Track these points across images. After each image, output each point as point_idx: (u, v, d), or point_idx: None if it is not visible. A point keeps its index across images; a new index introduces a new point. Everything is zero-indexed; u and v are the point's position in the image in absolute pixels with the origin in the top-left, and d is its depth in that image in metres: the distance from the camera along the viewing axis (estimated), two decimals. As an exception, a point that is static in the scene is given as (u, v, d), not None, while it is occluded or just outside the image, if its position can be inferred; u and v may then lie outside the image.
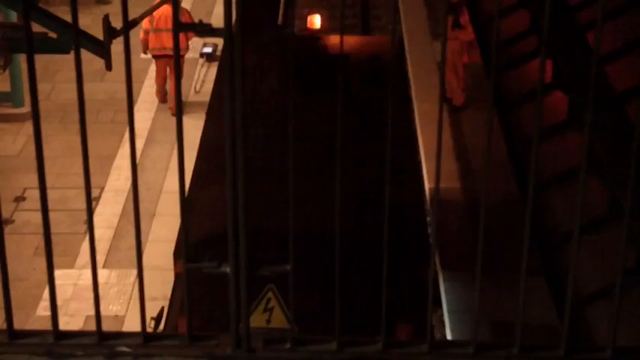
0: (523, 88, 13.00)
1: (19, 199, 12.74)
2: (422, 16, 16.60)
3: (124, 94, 3.00)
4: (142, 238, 11.15)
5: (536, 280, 9.62)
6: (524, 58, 13.50)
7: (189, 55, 16.42)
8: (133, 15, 7.59)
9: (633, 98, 10.31)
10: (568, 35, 12.06)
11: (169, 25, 14.55)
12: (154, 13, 13.82)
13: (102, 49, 5.88)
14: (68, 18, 11.21)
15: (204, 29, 2.44)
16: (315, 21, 15.87)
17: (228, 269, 2.50)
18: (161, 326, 8.60)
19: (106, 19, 5.65)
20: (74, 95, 2.62)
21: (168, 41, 14.98)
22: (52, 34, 6.74)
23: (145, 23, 14.92)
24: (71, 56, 3.22)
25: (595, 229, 9.41)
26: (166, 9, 13.92)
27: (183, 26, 2.47)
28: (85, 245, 11.61)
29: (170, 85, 15.53)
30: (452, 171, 12.16)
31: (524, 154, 12.01)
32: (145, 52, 15.50)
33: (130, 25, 5.29)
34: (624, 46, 11.36)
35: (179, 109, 2.55)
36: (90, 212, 2.52)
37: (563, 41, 11.94)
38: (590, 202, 9.84)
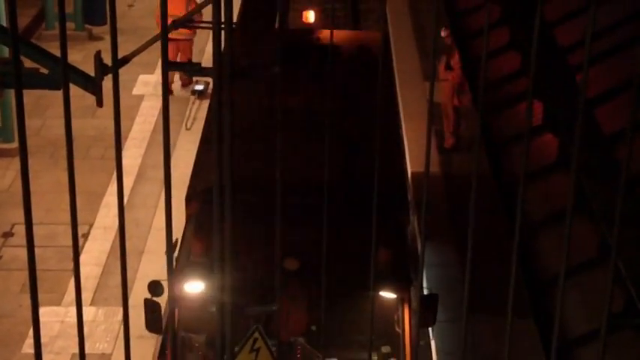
0: (513, 130, 13.04)
1: (7, 234, 12.68)
2: (414, 57, 16.72)
3: (113, 131, 2.99)
4: (130, 276, 11.07)
5: (525, 322, 9.59)
6: (515, 100, 13.56)
7: (180, 93, 16.45)
8: (124, 52, 7.59)
9: (622, 140, 10.35)
10: (558, 77, 12.12)
11: (174, 12, 15.36)
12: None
13: (93, 85, 5.87)
14: (60, 54, 11.12)
15: (193, 68, 2.44)
16: (309, 16, 17.47)
17: (214, 309, 2.48)
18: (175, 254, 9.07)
19: (97, 56, 5.65)
20: (64, 132, 2.60)
21: (175, 9, 15.59)
22: (44, 70, 6.74)
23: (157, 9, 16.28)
24: (60, 93, 3.22)
25: (584, 271, 9.39)
26: None
27: (172, 65, 2.47)
28: (73, 283, 11.56)
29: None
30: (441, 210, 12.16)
31: (514, 196, 12.05)
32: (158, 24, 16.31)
33: (120, 62, 5.28)
34: (614, 88, 11.43)
35: (167, 143, 2.54)
36: (76, 250, 2.50)
37: (554, 83, 11.99)
38: (580, 244, 9.84)
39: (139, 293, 11.51)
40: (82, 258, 12.20)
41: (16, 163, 14.11)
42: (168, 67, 2.44)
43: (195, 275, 8.45)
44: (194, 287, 8.47)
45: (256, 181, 7.62)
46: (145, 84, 16.78)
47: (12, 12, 2.41)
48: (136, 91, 16.59)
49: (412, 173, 12.11)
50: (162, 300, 8.60)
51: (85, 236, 12.60)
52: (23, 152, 2.37)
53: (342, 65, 11.49)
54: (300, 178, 7.94)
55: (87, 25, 18.90)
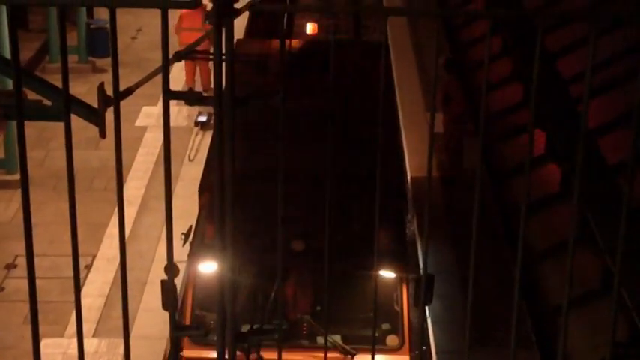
0: (516, 160, 13.04)
1: (10, 266, 12.67)
2: (416, 89, 16.81)
3: (122, 163, 3.00)
4: (133, 307, 11.09)
5: (531, 353, 9.55)
6: (517, 130, 13.56)
7: (183, 124, 16.50)
8: (128, 84, 7.62)
9: (625, 171, 10.32)
10: (561, 108, 12.15)
11: (193, 24, 17.09)
12: (184, 14, 17.19)
13: (96, 117, 5.89)
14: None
15: (193, 97, 2.46)
16: (312, 28, 19.12)
17: (215, 337, 2.48)
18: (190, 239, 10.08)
19: (100, 87, 5.67)
20: (66, 163, 2.61)
21: (195, 37, 16.10)
22: (47, 102, 6.76)
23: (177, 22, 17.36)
24: (64, 123, 3.22)
25: (588, 302, 9.37)
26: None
27: (173, 94, 2.48)
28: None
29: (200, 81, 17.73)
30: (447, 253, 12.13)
31: (517, 226, 12.03)
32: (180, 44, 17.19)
33: (123, 93, 5.29)
34: (618, 119, 11.44)
35: (168, 181, 2.55)
36: (77, 281, 2.50)
37: (556, 114, 12.02)
38: (584, 275, 9.81)
39: (141, 325, 11.51)
40: (85, 289, 12.18)
41: (19, 194, 14.09)
42: (169, 95, 2.45)
43: (209, 256, 9.04)
44: (208, 267, 9.08)
45: (267, 172, 7.90)
46: (147, 115, 16.83)
47: (14, 44, 2.43)
48: (139, 123, 16.64)
49: (412, 178, 13.14)
50: (177, 281, 9.24)
51: (88, 267, 12.59)
52: (24, 183, 2.38)
53: (342, 69, 12.21)
54: (307, 169, 8.74)
55: (90, 58, 18.99)
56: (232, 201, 2.38)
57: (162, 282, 8.88)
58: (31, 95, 6.73)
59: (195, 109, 16.89)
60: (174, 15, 18.22)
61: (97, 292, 12.16)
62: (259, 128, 9.50)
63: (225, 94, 2.38)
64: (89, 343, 11.15)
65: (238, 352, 2.73)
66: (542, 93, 12.73)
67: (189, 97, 2.48)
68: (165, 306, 8.67)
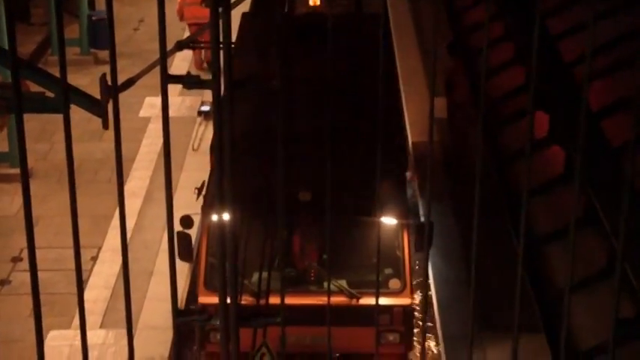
0: (520, 143, 13.02)
1: (16, 259, 12.69)
2: (416, 59, 16.96)
3: (122, 153, 3.00)
4: (139, 297, 11.08)
5: (538, 337, 9.55)
6: (521, 114, 13.54)
7: (186, 114, 16.50)
8: (130, 75, 7.62)
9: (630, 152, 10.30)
10: (564, 90, 12.12)
11: (203, 13, 17.51)
12: None
13: (99, 108, 5.89)
14: (67, 78, 11.15)
15: (192, 81, 2.45)
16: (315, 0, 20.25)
17: (218, 322, 2.48)
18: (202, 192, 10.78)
19: (102, 78, 5.67)
20: (65, 153, 2.61)
21: (199, 12, 17.82)
22: (50, 94, 6.75)
23: None
24: (63, 114, 3.22)
25: (595, 284, 9.37)
26: None
27: (172, 78, 2.48)
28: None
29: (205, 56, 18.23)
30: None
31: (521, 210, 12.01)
32: (181, 20, 18.28)
33: (125, 84, 5.29)
34: (621, 100, 11.42)
35: (168, 171, 2.55)
36: (79, 274, 2.51)
37: (559, 96, 11.99)
38: (589, 256, 9.81)
39: (148, 315, 11.53)
40: (91, 281, 12.20)
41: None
42: (167, 80, 2.45)
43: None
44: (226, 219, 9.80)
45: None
46: (151, 106, 16.82)
47: (11, 34, 2.42)
48: (142, 114, 16.64)
49: (413, 143, 13.68)
50: (192, 232, 10.00)
51: (94, 259, 12.61)
52: (24, 175, 2.38)
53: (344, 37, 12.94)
54: (314, 127, 9.26)
55: (92, 50, 18.97)
56: (230, 198, 2.38)
57: (179, 233, 9.59)
58: (34, 88, 6.73)
59: (199, 99, 16.89)
60: (173, 3, 18.22)
61: (103, 283, 12.18)
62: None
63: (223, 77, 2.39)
64: (96, 335, 11.18)
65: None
66: (545, 75, 12.72)
67: (187, 80, 2.48)
68: (181, 256, 9.82)
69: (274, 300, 9.33)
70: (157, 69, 5.64)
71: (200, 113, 16.69)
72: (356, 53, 12.46)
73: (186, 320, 2.51)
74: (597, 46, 12.22)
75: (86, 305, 11.63)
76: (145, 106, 16.84)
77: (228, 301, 2.59)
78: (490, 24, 16.35)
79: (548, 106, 12.15)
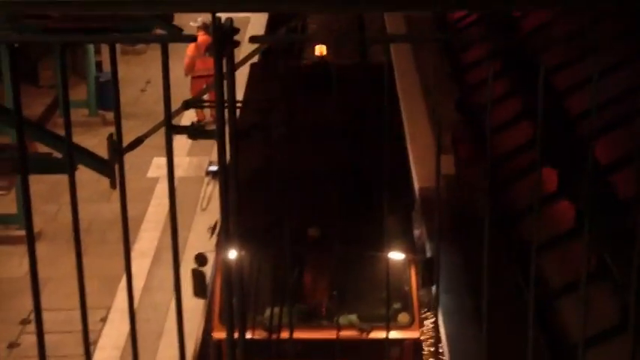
0: (529, 199, 12.99)
1: (25, 321, 12.64)
2: (421, 107, 17.14)
3: (129, 214, 2.99)
4: (149, 359, 11.01)
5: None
6: (529, 170, 13.54)
7: (194, 174, 16.54)
8: (138, 135, 7.64)
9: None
10: (572, 145, 12.14)
11: (210, 65, 17.28)
12: (199, 40, 17.33)
13: (107, 168, 5.90)
14: (75, 139, 11.22)
15: (197, 131, 2.46)
16: (320, 49, 20.65)
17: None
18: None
19: (110, 138, 5.70)
20: (81, 216, 2.60)
21: (212, 63, 17.36)
22: (57, 155, 6.78)
23: (190, 50, 18.23)
24: (76, 177, 3.22)
25: (607, 339, 9.28)
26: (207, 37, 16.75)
27: (176, 128, 2.48)
28: (92, 367, 11.47)
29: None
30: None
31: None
32: (187, 75, 18.36)
33: (133, 143, 5.30)
34: (630, 154, 11.41)
35: (174, 232, 2.54)
36: (86, 334, 2.48)
37: (568, 151, 12.00)
38: (602, 311, 9.73)
39: (158, 377, 11.45)
40: (101, 342, 12.13)
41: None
42: (171, 130, 2.46)
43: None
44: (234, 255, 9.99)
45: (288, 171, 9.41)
46: (159, 167, 16.87)
47: (16, 93, 2.43)
48: (150, 174, 16.68)
49: (419, 188, 13.95)
50: (207, 270, 10.22)
51: (104, 320, 12.55)
52: (30, 236, 2.37)
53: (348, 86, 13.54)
54: (322, 167, 9.88)
55: (100, 111, 19.09)
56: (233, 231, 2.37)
57: (193, 271, 9.99)
58: (41, 149, 6.76)
59: (206, 159, 16.94)
60: (177, 64, 18.34)
61: (113, 344, 12.12)
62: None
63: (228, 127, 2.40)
64: (106, 397, 11.11)
65: None
66: (552, 131, 12.73)
67: (192, 130, 2.49)
68: (196, 293, 10.09)
69: (286, 334, 9.58)
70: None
71: (208, 173, 16.73)
72: (361, 99, 12.76)
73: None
74: (606, 99, 12.25)
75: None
76: (152, 167, 16.88)
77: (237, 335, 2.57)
78: (496, 81, 16.44)
79: (557, 162, 12.15)
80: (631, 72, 12.83)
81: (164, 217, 15.52)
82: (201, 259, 10.15)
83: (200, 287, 10.12)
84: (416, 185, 13.88)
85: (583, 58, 14.22)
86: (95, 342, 12.06)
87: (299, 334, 9.75)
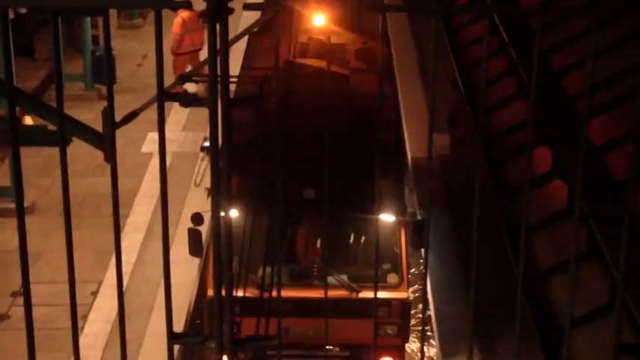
0: (523, 178, 13.01)
1: (16, 294, 12.66)
2: (417, 81, 17.18)
3: (123, 189, 2.99)
4: (140, 332, 11.03)
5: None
6: (524, 149, 13.55)
7: (189, 150, 16.54)
8: (132, 108, 7.62)
9: (633, 187, 10.27)
10: (567, 124, 12.14)
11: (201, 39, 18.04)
12: (185, 16, 17.86)
13: (102, 142, 5.89)
14: (71, 112, 11.26)
15: (189, 99, 2.45)
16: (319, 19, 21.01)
17: (213, 345, 2.47)
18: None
19: (105, 112, 5.69)
20: (75, 189, 2.61)
21: (198, 38, 18.05)
22: (52, 127, 6.77)
23: (176, 27, 17.98)
24: (71, 150, 3.22)
25: (598, 317, 9.32)
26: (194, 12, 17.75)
27: (169, 96, 2.48)
28: (82, 340, 11.50)
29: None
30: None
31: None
32: (174, 53, 18.10)
33: (127, 117, 5.30)
34: (626, 134, 11.42)
35: (165, 203, 2.54)
36: (74, 311, 2.49)
37: (562, 130, 12.01)
38: (592, 291, 9.76)
39: (148, 350, 11.47)
40: (91, 315, 12.16)
41: (26, 222, 14.06)
42: (164, 97, 2.45)
43: (232, 206, 10.49)
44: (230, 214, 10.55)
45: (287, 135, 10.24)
46: (153, 142, 16.85)
47: (8, 64, 2.42)
48: (145, 149, 16.67)
49: (412, 158, 14.25)
50: (203, 229, 10.41)
51: (95, 294, 12.58)
52: (20, 209, 2.37)
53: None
54: (317, 131, 10.04)
55: (96, 85, 19.05)
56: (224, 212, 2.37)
57: (189, 230, 10.23)
58: (36, 121, 6.75)
59: (202, 134, 16.92)
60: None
61: (104, 318, 12.14)
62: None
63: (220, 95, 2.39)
64: (98, 370, 11.14)
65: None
66: (548, 109, 12.72)
67: (184, 98, 2.48)
68: (192, 252, 10.35)
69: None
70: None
71: (203, 149, 16.71)
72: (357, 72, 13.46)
73: (181, 342, 2.49)
74: (602, 79, 12.24)
75: (86, 339, 11.65)
76: (147, 142, 16.88)
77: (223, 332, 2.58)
78: (492, 59, 16.42)
79: (551, 141, 12.15)
80: (630, 51, 12.82)
81: (157, 192, 15.49)
82: (197, 218, 10.35)
83: (196, 246, 10.35)
84: (409, 156, 14.22)
85: (581, 37, 14.19)
86: (86, 315, 12.09)
87: (291, 293, 10.14)
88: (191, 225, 10.53)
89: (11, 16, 17.29)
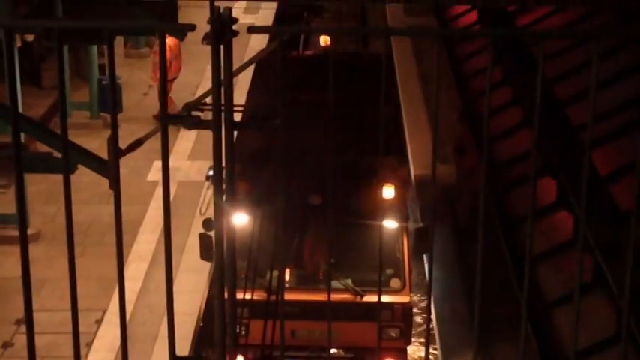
0: (527, 208, 12.98)
1: (20, 321, 12.63)
2: (420, 102, 17.28)
3: (128, 217, 2.99)
4: (144, 361, 10.86)
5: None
6: (528, 179, 13.53)
7: (194, 179, 16.56)
8: (138, 136, 7.63)
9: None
10: (571, 155, 12.13)
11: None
12: (169, 43, 18.18)
13: (106, 169, 5.90)
14: (77, 141, 11.26)
15: (192, 121, 2.46)
16: (324, 40, 21.94)
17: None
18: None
19: (110, 139, 5.70)
20: (79, 217, 2.61)
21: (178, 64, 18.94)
22: (58, 155, 6.78)
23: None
24: (76, 179, 3.23)
25: (603, 350, 9.28)
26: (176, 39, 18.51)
27: (171, 117, 2.48)
28: (87, 369, 11.46)
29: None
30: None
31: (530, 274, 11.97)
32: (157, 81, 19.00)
33: (133, 145, 5.30)
34: (630, 165, 11.41)
35: (167, 203, 2.54)
36: (76, 342, 2.48)
37: (567, 161, 12.00)
38: (599, 322, 9.73)
39: (153, 379, 11.43)
40: (95, 344, 12.11)
41: (31, 249, 14.05)
42: (167, 119, 2.46)
43: (239, 208, 10.56)
44: (239, 219, 10.58)
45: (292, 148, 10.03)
46: (159, 170, 16.73)
47: (13, 91, 2.43)
48: (150, 178, 16.68)
49: (415, 176, 14.68)
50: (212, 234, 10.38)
51: (99, 322, 12.54)
52: (23, 234, 2.38)
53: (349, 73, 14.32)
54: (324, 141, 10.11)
55: (102, 113, 19.09)
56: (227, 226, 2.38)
57: (200, 235, 10.42)
58: (41, 148, 6.76)
59: (207, 163, 16.93)
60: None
61: (108, 346, 12.10)
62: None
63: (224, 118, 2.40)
64: (101, 399, 11.09)
65: None
66: (553, 140, 12.73)
67: (187, 121, 2.49)
68: (203, 256, 10.52)
69: (285, 296, 10.03)
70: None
71: (208, 178, 16.72)
72: (361, 84, 13.79)
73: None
74: (606, 109, 12.25)
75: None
76: (152, 170, 16.88)
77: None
78: (496, 89, 16.45)
79: (556, 172, 12.15)
80: (634, 81, 12.83)
81: (162, 221, 15.50)
82: (209, 223, 10.46)
83: (206, 250, 10.47)
84: (412, 173, 14.61)
85: (585, 68, 14.21)
86: (90, 343, 12.05)
87: (297, 297, 10.53)
88: (202, 231, 10.92)
89: (18, 44, 17.37)
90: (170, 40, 18.26)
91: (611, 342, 9.36)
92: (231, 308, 2.55)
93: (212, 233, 10.98)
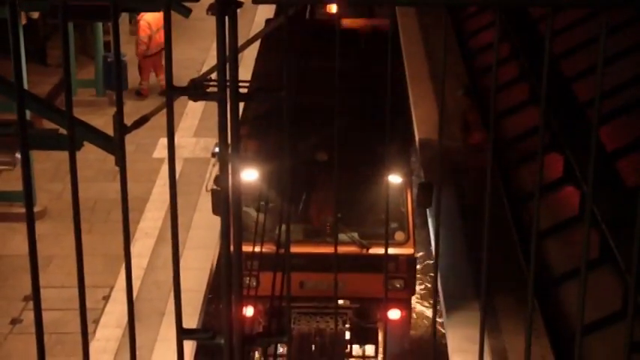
0: (534, 184, 12.97)
1: (28, 298, 12.67)
2: (425, 74, 17.22)
3: (135, 194, 2.99)
4: (152, 337, 11.01)
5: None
6: (535, 154, 13.50)
7: (200, 155, 16.54)
8: (144, 111, 7.63)
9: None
10: (578, 131, 12.10)
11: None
12: (149, 19, 18.45)
13: (112, 146, 5.89)
14: (83, 118, 11.20)
15: (197, 92, 2.44)
16: (330, 7, 21.37)
17: (222, 341, 2.46)
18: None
19: (115, 116, 5.69)
20: (86, 194, 2.61)
21: (161, 37, 18.41)
22: (64, 132, 6.77)
23: (143, 31, 18.53)
24: (82, 156, 3.22)
25: (611, 324, 9.28)
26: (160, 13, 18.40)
27: (177, 89, 2.47)
28: (93, 345, 11.50)
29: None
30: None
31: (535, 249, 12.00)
32: (142, 56, 18.77)
33: (138, 121, 5.29)
34: (637, 140, 11.38)
35: (174, 208, 2.53)
36: (84, 319, 2.48)
37: (574, 137, 11.97)
38: (606, 296, 9.73)
39: (159, 356, 11.46)
40: (103, 320, 12.16)
41: (38, 227, 14.07)
42: (173, 91, 2.45)
43: (250, 165, 11.20)
44: (249, 174, 11.12)
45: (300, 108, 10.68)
46: (165, 147, 16.79)
47: (18, 68, 2.42)
48: (156, 155, 16.67)
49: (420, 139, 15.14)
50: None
51: (106, 298, 12.58)
52: (29, 210, 2.37)
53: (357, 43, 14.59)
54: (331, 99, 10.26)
55: (108, 91, 19.08)
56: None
57: (212, 191, 10.98)
58: (47, 125, 6.75)
59: (213, 140, 16.92)
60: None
61: (115, 323, 12.14)
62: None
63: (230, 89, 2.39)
64: (109, 375, 11.13)
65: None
66: (560, 116, 12.69)
67: (193, 92, 2.47)
68: (215, 211, 10.88)
69: (293, 249, 10.30)
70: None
71: (214, 154, 16.70)
72: (367, 48, 14.13)
73: (190, 338, 2.48)
74: (614, 85, 12.20)
75: (98, 344, 11.62)
76: (159, 147, 16.87)
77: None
78: (504, 65, 16.38)
79: (563, 147, 12.12)
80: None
81: (169, 198, 15.51)
82: (219, 179, 10.84)
83: (218, 206, 10.57)
84: (417, 137, 15.09)
85: (593, 43, 14.15)
86: (97, 320, 12.09)
87: (305, 249, 10.83)
88: (214, 187, 11.28)
89: (23, 21, 17.34)
90: (150, 16, 18.38)
91: (617, 317, 9.37)
92: (237, 261, 2.56)
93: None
